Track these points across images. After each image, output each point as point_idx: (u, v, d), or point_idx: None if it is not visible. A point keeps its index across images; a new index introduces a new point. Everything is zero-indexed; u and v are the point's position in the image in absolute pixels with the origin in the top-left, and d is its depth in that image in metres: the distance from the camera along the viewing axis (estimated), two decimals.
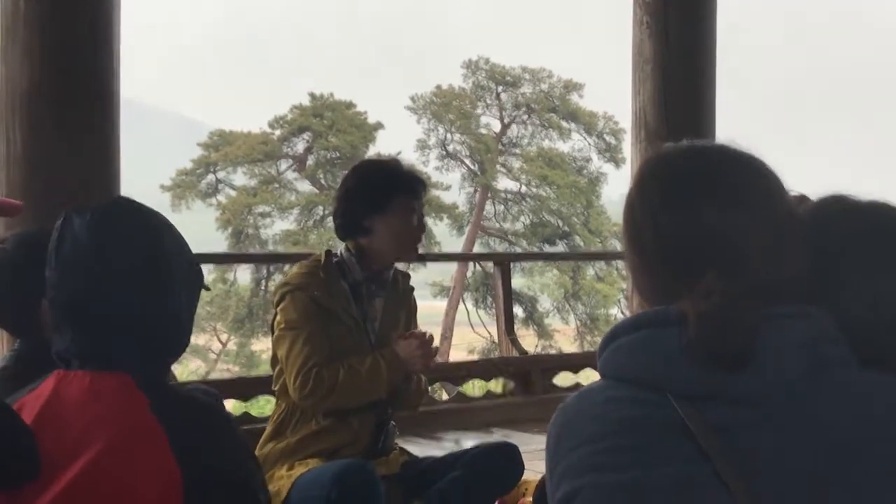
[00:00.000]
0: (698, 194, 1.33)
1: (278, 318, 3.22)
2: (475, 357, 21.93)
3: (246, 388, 5.43)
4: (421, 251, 3.41)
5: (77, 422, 1.72)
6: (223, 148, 27.17)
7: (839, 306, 1.33)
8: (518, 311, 23.84)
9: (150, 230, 1.81)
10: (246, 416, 5.12)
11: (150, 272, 1.77)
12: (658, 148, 1.42)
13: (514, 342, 6.45)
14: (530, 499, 3.52)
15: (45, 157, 3.52)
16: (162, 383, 1.80)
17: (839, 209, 1.46)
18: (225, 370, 24.45)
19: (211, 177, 27.22)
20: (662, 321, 1.29)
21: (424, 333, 3.23)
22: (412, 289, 3.45)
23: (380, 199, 3.21)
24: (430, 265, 23.08)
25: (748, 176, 1.35)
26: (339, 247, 3.31)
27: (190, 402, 1.79)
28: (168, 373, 1.89)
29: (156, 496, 1.68)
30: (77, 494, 1.69)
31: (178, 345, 1.86)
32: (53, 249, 1.79)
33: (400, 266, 3.43)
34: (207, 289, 1.99)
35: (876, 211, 1.46)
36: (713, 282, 1.28)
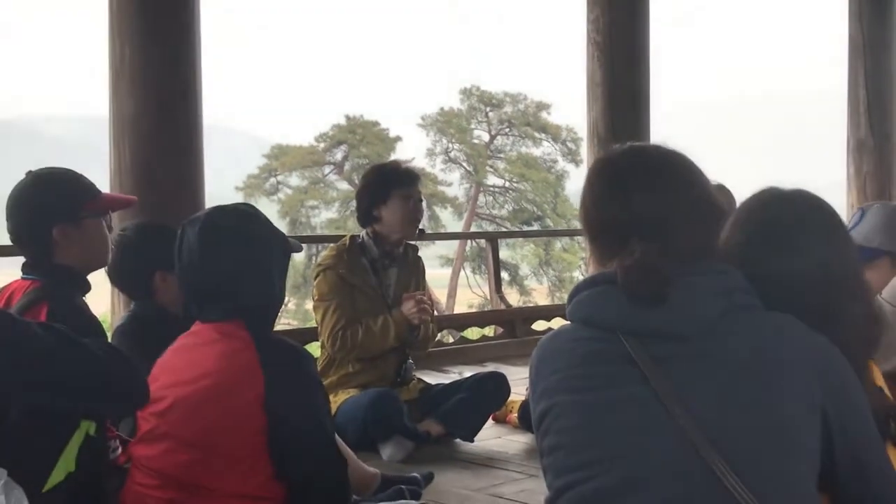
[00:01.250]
0: (628, 184, 1.33)
1: (314, 291, 3.22)
2: (473, 310, 21.92)
3: (302, 336, 5.39)
4: (425, 229, 3.41)
5: (201, 353, 1.79)
6: (281, 158, 27.09)
7: (754, 268, 1.32)
8: (505, 275, 23.76)
9: (242, 230, 1.85)
10: None
11: (245, 263, 1.82)
12: (604, 150, 1.42)
13: (502, 299, 6.46)
14: (515, 414, 3.52)
15: (147, 168, 3.51)
16: (263, 331, 1.83)
17: (765, 198, 1.45)
18: (286, 324, 24.49)
19: (273, 180, 27.15)
20: (611, 279, 1.29)
21: (421, 294, 3.23)
22: (419, 258, 3.42)
23: (381, 193, 3.19)
24: (438, 242, 23.04)
25: (670, 168, 1.34)
26: (362, 232, 3.30)
27: (281, 343, 1.83)
28: (271, 323, 1.90)
29: (244, 405, 1.71)
30: (188, 402, 1.76)
31: (273, 304, 1.90)
32: (177, 254, 1.86)
33: (411, 242, 3.42)
34: (299, 249, 2.04)
35: (790, 199, 1.43)
36: (635, 245, 1.27)
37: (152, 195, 3.35)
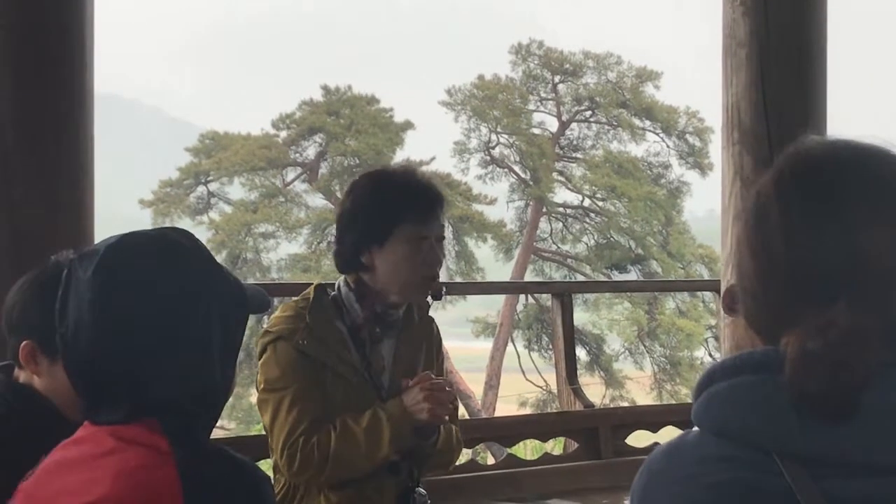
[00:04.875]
0: (853, 208, 1.32)
1: (259, 376, 3.22)
2: (528, 411, 21.84)
3: (244, 449, 5.43)
4: (443, 288, 3.35)
5: (88, 471, 1.79)
6: (217, 153, 27.36)
7: None
8: (581, 353, 23.76)
9: (164, 275, 1.86)
10: None
11: (165, 325, 1.83)
12: (800, 140, 1.40)
13: (577, 392, 6.44)
14: None
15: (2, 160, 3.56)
16: (190, 437, 1.84)
17: None
18: (218, 427, 24.50)
19: (202, 189, 27.41)
20: (770, 364, 1.28)
21: (433, 375, 3.19)
22: (432, 320, 3.42)
23: (378, 229, 3.17)
24: (471, 298, 23.01)
25: None
26: (339, 279, 3.29)
27: (221, 457, 1.85)
28: (206, 425, 1.94)
29: None
30: None
31: (212, 395, 1.92)
32: (59, 308, 1.86)
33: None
34: (266, 307, 2.07)
35: None
36: (841, 313, 1.26)
37: (9, 209, 3.40)
